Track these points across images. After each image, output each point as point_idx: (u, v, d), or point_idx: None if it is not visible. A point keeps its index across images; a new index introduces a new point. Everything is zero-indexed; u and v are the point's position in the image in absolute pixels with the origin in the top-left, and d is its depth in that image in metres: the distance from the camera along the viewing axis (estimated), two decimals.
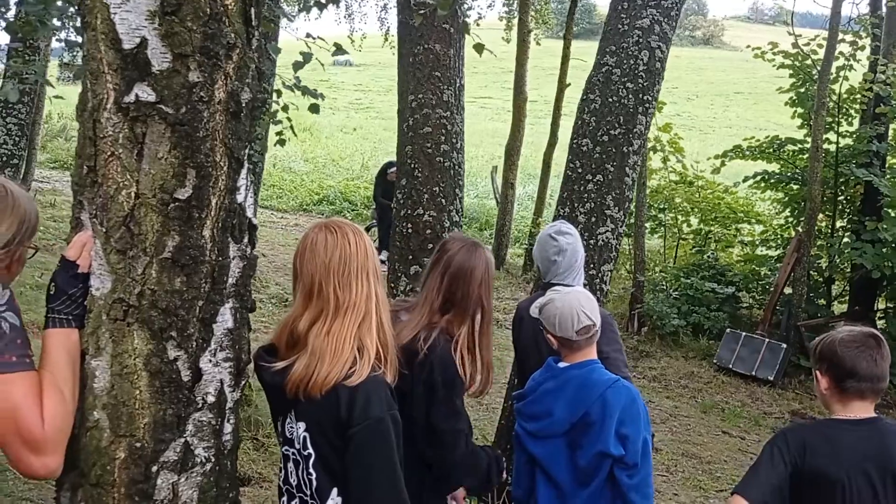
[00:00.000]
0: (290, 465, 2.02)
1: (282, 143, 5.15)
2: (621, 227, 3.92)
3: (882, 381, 2.28)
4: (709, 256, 11.41)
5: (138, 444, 1.75)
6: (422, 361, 2.36)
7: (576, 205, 3.87)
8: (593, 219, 3.82)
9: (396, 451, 1.87)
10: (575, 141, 3.97)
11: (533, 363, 3.28)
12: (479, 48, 3.98)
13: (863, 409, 2.29)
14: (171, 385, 1.76)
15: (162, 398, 1.75)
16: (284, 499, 2.08)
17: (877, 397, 2.31)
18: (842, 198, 10.17)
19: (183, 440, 1.80)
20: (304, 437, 1.94)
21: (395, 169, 10.45)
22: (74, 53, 10.74)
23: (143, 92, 1.65)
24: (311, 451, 1.93)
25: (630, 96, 3.82)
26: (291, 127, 4.88)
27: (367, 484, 1.85)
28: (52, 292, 1.75)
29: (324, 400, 1.87)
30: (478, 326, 2.51)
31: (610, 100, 3.84)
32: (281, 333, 2.01)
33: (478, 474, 2.49)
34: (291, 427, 2.00)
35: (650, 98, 3.86)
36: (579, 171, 3.88)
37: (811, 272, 9.78)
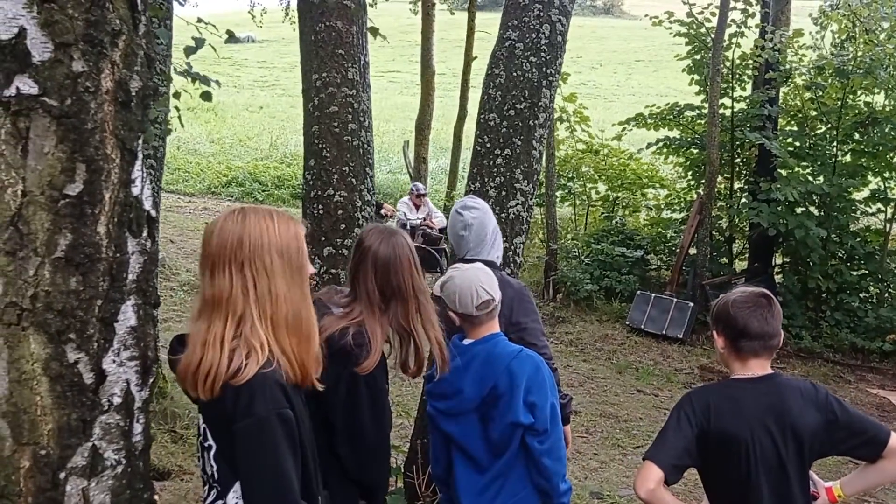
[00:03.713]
0: (206, 454, 1.98)
1: (168, 132, 5.01)
2: (531, 199, 3.98)
3: (773, 339, 2.37)
4: (617, 222, 11.74)
5: (43, 452, 1.69)
6: (346, 357, 2.29)
7: (486, 179, 3.90)
8: (503, 193, 3.87)
9: (285, 451, 1.79)
10: (482, 116, 3.99)
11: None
12: (373, 31, 3.97)
13: (759, 367, 2.39)
14: (73, 389, 1.69)
15: (65, 403, 1.69)
16: (206, 488, 2.04)
17: (771, 354, 2.41)
18: (738, 160, 10.61)
19: (90, 444, 1.74)
20: (205, 429, 1.91)
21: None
22: None
23: (25, 84, 1.56)
24: (211, 442, 1.91)
25: (534, 70, 3.85)
26: (179, 117, 4.73)
27: (251, 483, 1.81)
28: None
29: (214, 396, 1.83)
30: (413, 311, 2.47)
31: (514, 74, 3.87)
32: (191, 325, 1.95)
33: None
34: (200, 416, 1.97)
35: (553, 71, 3.91)
36: (487, 145, 3.91)
37: (713, 232, 10.20)
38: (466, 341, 2.72)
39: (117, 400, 1.79)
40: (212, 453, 1.90)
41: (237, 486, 1.87)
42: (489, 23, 14.24)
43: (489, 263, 3.30)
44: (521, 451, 2.62)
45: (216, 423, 1.86)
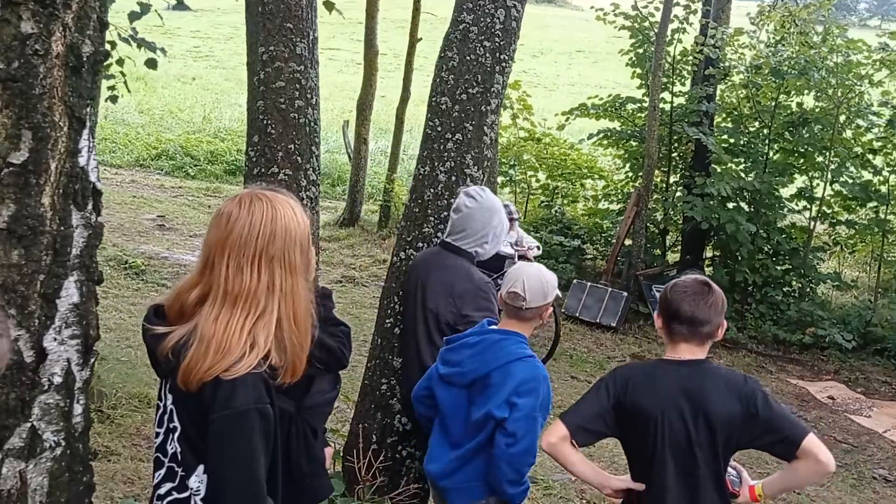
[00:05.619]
0: (170, 434, 1.90)
1: (113, 99, 4.82)
2: (480, 185, 3.96)
3: (703, 326, 2.43)
4: (556, 211, 11.86)
5: None
6: None
7: (436, 164, 3.86)
8: (453, 178, 3.83)
9: (259, 447, 1.75)
10: (434, 99, 3.95)
11: (410, 311, 3.46)
12: (328, 6, 3.86)
13: (689, 352, 2.45)
14: (12, 367, 1.61)
15: (3, 381, 1.61)
16: (155, 467, 1.95)
17: (703, 341, 2.46)
18: (675, 154, 10.84)
19: (29, 425, 1.67)
20: (172, 410, 1.84)
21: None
22: None
23: None
24: (176, 424, 1.84)
25: (487, 55, 3.83)
26: (125, 82, 4.55)
27: (221, 475, 1.75)
28: None
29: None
30: None
31: (468, 58, 3.84)
32: (174, 302, 1.83)
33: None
34: (167, 395, 1.89)
35: (507, 57, 3.89)
36: (438, 129, 3.87)
37: (648, 224, 10.41)
38: (492, 326, 2.86)
39: (58, 379, 1.71)
40: (176, 434, 1.83)
41: (200, 469, 1.81)
42: (432, 4, 14.13)
43: (463, 253, 3.38)
44: (489, 447, 2.68)
45: (188, 407, 1.79)
